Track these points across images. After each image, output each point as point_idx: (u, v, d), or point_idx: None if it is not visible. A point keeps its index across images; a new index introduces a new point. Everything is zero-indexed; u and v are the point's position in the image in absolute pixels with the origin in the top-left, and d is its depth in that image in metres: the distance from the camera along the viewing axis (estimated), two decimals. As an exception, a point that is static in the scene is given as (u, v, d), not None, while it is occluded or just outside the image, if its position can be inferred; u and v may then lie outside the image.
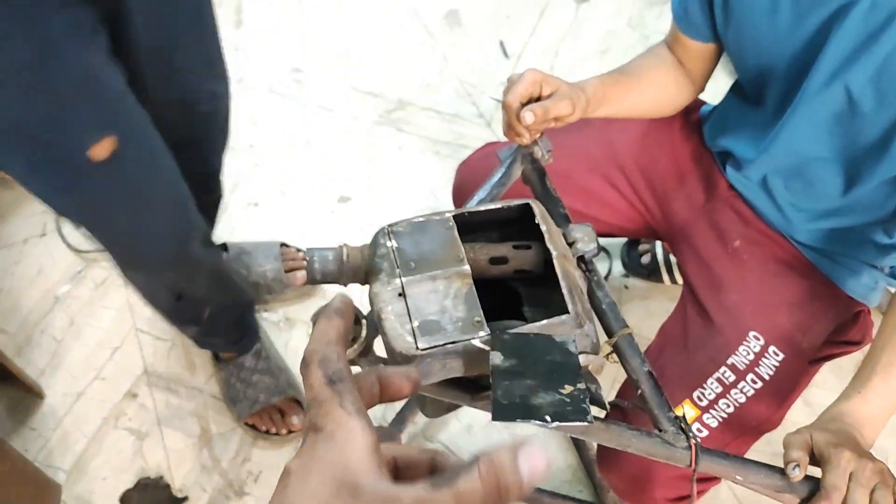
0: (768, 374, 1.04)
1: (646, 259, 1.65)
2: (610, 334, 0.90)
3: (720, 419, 1.03)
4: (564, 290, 0.78)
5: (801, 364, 1.06)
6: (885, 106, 0.89)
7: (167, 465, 1.43)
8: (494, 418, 0.63)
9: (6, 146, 0.96)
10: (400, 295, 0.77)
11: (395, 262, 0.78)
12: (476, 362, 0.76)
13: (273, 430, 1.48)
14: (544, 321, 0.76)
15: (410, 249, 0.80)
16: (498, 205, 0.85)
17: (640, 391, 0.85)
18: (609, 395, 1.37)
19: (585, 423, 0.62)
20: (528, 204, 0.84)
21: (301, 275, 1.61)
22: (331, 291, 1.66)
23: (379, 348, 0.80)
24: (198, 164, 1.27)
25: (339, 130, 1.96)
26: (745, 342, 1.06)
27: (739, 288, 1.11)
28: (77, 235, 1.71)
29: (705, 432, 1.03)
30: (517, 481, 0.36)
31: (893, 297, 0.94)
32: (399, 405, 1.40)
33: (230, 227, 1.76)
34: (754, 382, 1.04)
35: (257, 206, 1.82)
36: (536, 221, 0.82)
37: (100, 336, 1.59)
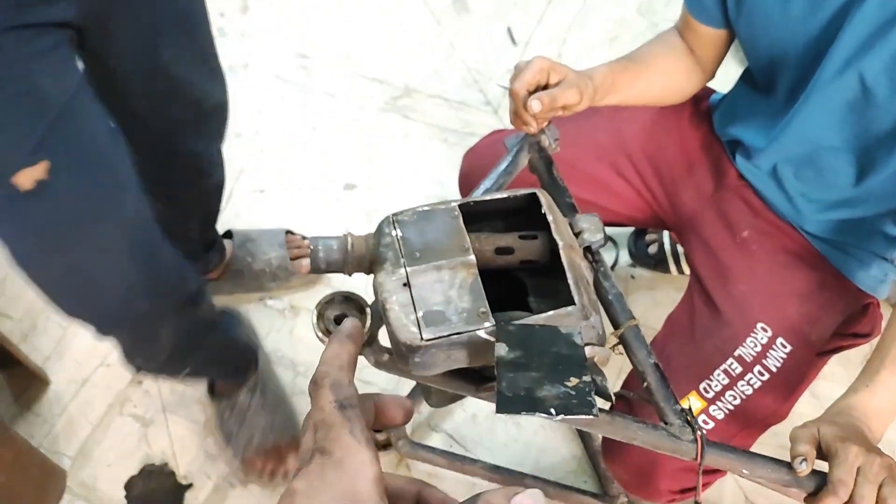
0: (776, 366, 1.04)
1: (653, 249, 1.64)
2: (616, 326, 0.89)
3: (726, 411, 1.02)
4: (570, 282, 0.77)
5: (808, 356, 1.05)
6: (900, 95, 0.88)
7: (172, 452, 1.43)
8: (499, 411, 0.63)
9: None
10: (405, 285, 0.76)
11: (399, 252, 0.78)
12: (481, 353, 0.75)
13: (269, 471, 1.40)
14: (550, 312, 0.75)
15: (415, 239, 0.79)
16: (504, 194, 0.84)
17: (645, 383, 0.85)
18: (615, 385, 1.36)
19: (590, 417, 0.62)
20: (534, 193, 0.83)
21: (306, 262, 1.60)
22: (336, 280, 1.66)
23: (383, 338, 0.79)
24: (191, 150, 1.26)
25: (345, 117, 1.95)
26: (752, 334, 1.05)
27: (748, 279, 1.10)
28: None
29: (711, 424, 1.02)
30: None
31: (904, 289, 0.93)
32: (404, 393, 1.40)
33: (235, 213, 1.76)
34: (761, 374, 1.03)
35: (263, 193, 1.81)
36: (543, 211, 0.82)
37: (105, 323, 1.59)
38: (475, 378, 0.83)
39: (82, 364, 1.54)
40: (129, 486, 1.41)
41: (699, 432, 0.80)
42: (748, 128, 1.10)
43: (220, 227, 1.56)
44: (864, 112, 0.92)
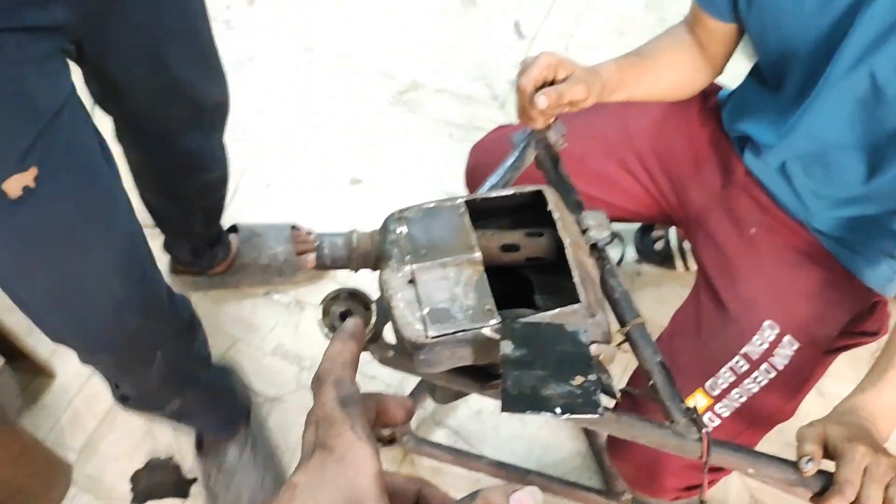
0: (782, 365, 1.03)
1: (659, 245, 1.63)
2: (622, 323, 0.89)
3: (732, 409, 1.02)
4: (576, 280, 0.76)
5: (816, 355, 1.05)
6: (911, 92, 0.87)
7: (177, 447, 1.43)
8: (504, 410, 0.63)
9: None
10: (410, 282, 0.76)
11: (405, 249, 0.77)
12: (486, 351, 0.75)
13: None
14: (556, 310, 0.75)
15: (421, 236, 0.79)
16: (510, 191, 0.84)
17: (651, 382, 0.84)
18: (620, 381, 1.36)
19: (596, 416, 0.62)
20: (540, 190, 0.82)
21: (312, 257, 1.60)
22: (342, 275, 1.65)
23: (388, 334, 0.79)
24: (191, 146, 1.25)
25: (350, 112, 1.95)
26: (759, 331, 1.05)
27: (755, 276, 1.09)
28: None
29: (717, 422, 1.02)
30: None
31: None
32: (409, 389, 1.40)
33: (241, 208, 1.76)
34: (768, 372, 1.03)
35: (269, 188, 1.81)
36: (549, 209, 0.81)
37: (111, 316, 1.59)
38: (480, 375, 0.83)
39: (88, 357, 1.54)
40: (134, 479, 1.41)
41: (704, 431, 0.80)
42: (757, 124, 1.09)
43: (226, 222, 1.56)
44: (874, 110, 0.91)
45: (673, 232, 1.62)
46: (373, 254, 0.80)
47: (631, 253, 1.69)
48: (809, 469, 0.75)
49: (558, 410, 0.62)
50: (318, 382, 0.45)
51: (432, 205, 0.81)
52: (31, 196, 0.83)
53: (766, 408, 1.02)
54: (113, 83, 1.06)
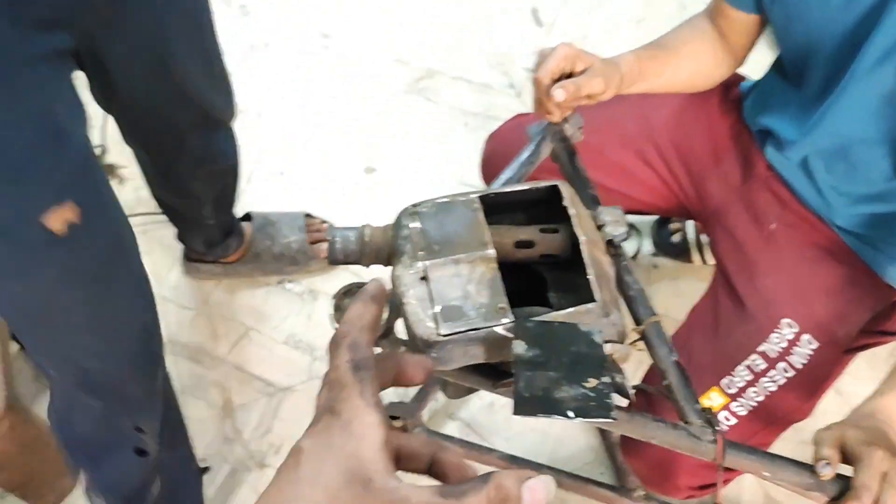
0: (801, 364, 1.01)
1: (676, 238, 1.61)
2: (637, 322, 0.87)
3: (749, 408, 1.01)
4: (591, 278, 0.75)
5: (835, 354, 1.03)
6: (939, 88, 0.85)
7: (190, 435, 1.44)
8: (516, 412, 0.62)
9: None
10: (422, 279, 0.75)
11: (418, 245, 0.76)
12: (498, 349, 0.74)
13: None
14: (570, 309, 0.74)
15: (434, 231, 0.78)
16: (525, 186, 0.82)
17: (666, 382, 0.83)
18: (634, 376, 1.35)
19: (609, 420, 0.61)
20: (556, 185, 0.81)
21: (325, 246, 1.60)
22: (355, 266, 1.64)
23: (400, 329, 0.78)
24: (196, 144, 1.25)
25: (365, 99, 1.93)
26: (777, 329, 1.03)
27: (774, 273, 1.08)
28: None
29: (733, 420, 1.00)
30: None
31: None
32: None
33: (255, 196, 1.75)
34: (786, 371, 1.01)
35: (282, 175, 1.80)
36: (564, 204, 0.80)
37: (125, 303, 1.59)
38: (492, 373, 0.82)
39: (102, 344, 1.55)
40: (147, 467, 1.42)
41: (720, 433, 0.79)
42: (780, 118, 1.07)
43: (239, 210, 1.55)
44: (900, 106, 0.89)
45: (691, 225, 1.60)
46: (385, 249, 0.79)
47: (647, 246, 1.67)
48: (826, 473, 0.74)
49: (571, 414, 0.61)
50: (334, 344, 0.44)
51: (446, 199, 0.80)
52: (75, 232, 0.84)
53: (782, 407, 1.01)
54: (117, 92, 1.06)
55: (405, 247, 0.77)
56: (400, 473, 0.43)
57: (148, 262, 1.63)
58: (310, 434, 0.41)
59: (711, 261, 1.55)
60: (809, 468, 0.77)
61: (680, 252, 1.62)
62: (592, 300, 0.74)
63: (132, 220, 1.67)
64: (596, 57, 0.94)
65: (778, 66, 1.12)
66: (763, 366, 1.01)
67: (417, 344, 0.73)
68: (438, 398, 1.44)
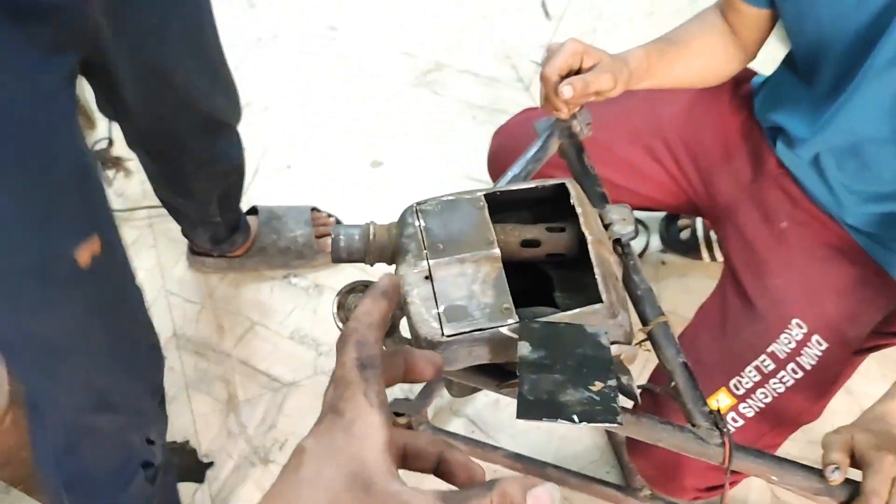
0: (810, 365, 1.00)
1: (685, 234, 1.60)
2: (645, 322, 0.86)
3: (757, 409, 0.99)
4: (598, 278, 0.74)
5: (845, 355, 1.02)
6: (954, 87, 0.83)
7: (194, 430, 1.43)
8: (519, 416, 0.61)
9: None
10: (427, 278, 0.74)
11: (422, 243, 0.76)
12: (503, 350, 0.73)
13: None
14: (576, 310, 0.73)
15: (439, 230, 0.77)
16: (531, 184, 0.81)
17: (673, 383, 0.82)
18: (641, 376, 1.34)
19: (614, 425, 0.60)
20: (563, 184, 0.80)
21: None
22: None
23: (405, 327, 0.78)
24: (201, 148, 1.26)
25: (373, 91, 1.92)
26: (787, 330, 1.02)
27: (784, 272, 1.06)
28: (109, 193, 1.71)
29: (740, 422, 0.99)
30: None
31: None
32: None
33: (261, 189, 1.74)
34: (795, 373, 1.00)
35: (289, 169, 1.80)
36: (572, 202, 0.79)
37: (130, 297, 1.59)
38: (497, 373, 0.81)
39: (107, 338, 1.55)
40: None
41: (727, 436, 0.78)
42: (791, 115, 1.05)
43: (245, 204, 1.54)
44: (914, 104, 0.87)
45: (700, 221, 1.59)
46: (389, 247, 0.78)
47: (656, 242, 1.66)
48: (836, 478, 0.73)
49: (576, 419, 0.60)
50: (341, 341, 0.44)
51: (451, 197, 0.79)
52: (98, 262, 0.85)
53: (791, 409, 0.99)
54: (120, 100, 1.07)
55: (409, 245, 0.76)
56: (405, 474, 0.43)
57: (153, 256, 1.65)
58: (313, 434, 0.41)
59: (720, 258, 1.54)
60: (818, 473, 0.75)
61: (689, 249, 1.60)
62: (599, 300, 0.73)
63: (138, 213, 1.68)
64: (604, 53, 0.93)
65: (789, 62, 1.10)
66: (772, 367, 1.00)
67: (421, 344, 0.72)
68: (444, 395, 1.44)
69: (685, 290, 1.58)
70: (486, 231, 0.76)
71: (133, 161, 1.76)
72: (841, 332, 1.01)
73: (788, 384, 0.99)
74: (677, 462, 0.99)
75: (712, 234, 1.56)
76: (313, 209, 1.65)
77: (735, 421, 0.99)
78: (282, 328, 1.56)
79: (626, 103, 1.18)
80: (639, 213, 1.55)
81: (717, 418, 0.80)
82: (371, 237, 0.78)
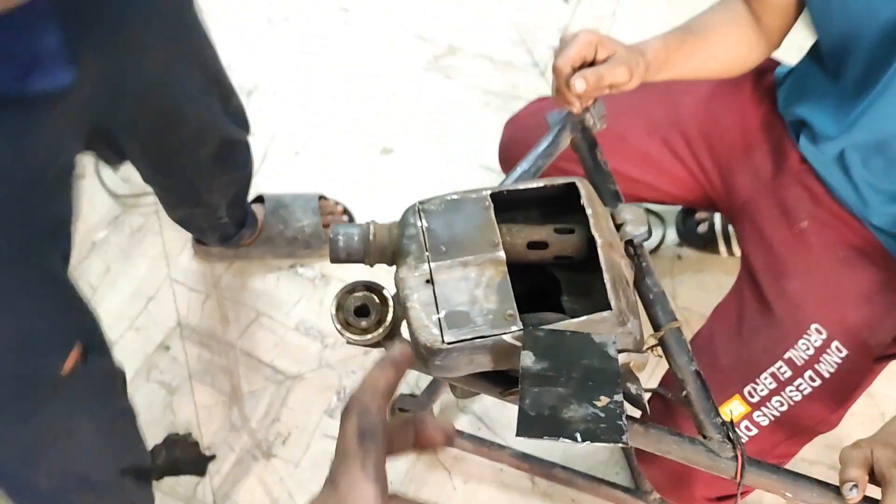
0: (828, 372, 0.96)
1: (702, 228, 1.55)
2: (656, 327, 0.83)
3: (772, 418, 0.96)
4: (608, 284, 0.71)
5: (865, 362, 0.98)
6: None
7: (196, 422, 1.41)
8: (519, 434, 0.58)
9: None
10: (427, 282, 0.71)
11: (424, 245, 0.72)
12: (506, 358, 0.70)
13: None
14: (583, 318, 0.70)
15: (442, 231, 0.73)
16: (540, 183, 0.78)
17: (685, 392, 0.78)
18: (650, 379, 1.30)
19: (620, 444, 0.57)
20: (573, 183, 0.76)
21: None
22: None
23: (406, 330, 0.74)
24: (211, 169, 1.25)
25: (385, 76, 1.88)
26: (805, 335, 0.98)
27: (804, 274, 1.02)
28: (115, 178, 1.69)
29: (754, 431, 0.95)
30: None
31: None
32: (427, 378, 1.36)
33: (270, 175, 1.71)
34: (812, 380, 0.96)
35: (298, 155, 1.76)
36: (582, 203, 0.75)
37: (135, 285, 1.57)
38: (501, 379, 0.78)
39: (110, 327, 1.50)
40: (153, 454, 1.40)
41: (740, 450, 0.75)
42: (816, 109, 1.01)
43: (254, 189, 1.51)
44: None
45: (718, 214, 1.54)
46: (390, 248, 0.75)
47: (672, 235, 1.61)
48: (853, 497, 0.70)
49: (578, 437, 0.58)
50: (345, 411, 0.44)
51: (455, 197, 0.76)
52: (80, 368, 0.86)
53: (808, 418, 0.96)
54: (127, 154, 1.09)
55: (411, 247, 0.73)
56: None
57: (159, 243, 1.62)
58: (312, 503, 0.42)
59: (738, 252, 1.50)
60: (835, 489, 0.72)
61: (706, 243, 1.56)
62: (608, 307, 0.70)
63: (144, 201, 1.66)
64: (620, 44, 0.88)
65: (815, 53, 1.05)
66: (788, 374, 0.96)
67: (421, 351, 0.69)
68: (449, 392, 1.41)
69: (701, 287, 1.54)
70: (492, 233, 0.73)
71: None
72: (862, 338, 0.97)
73: (805, 392, 0.96)
74: (687, 471, 0.95)
75: (730, 228, 1.51)
76: (321, 197, 1.62)
77: (748, 430, 0.95)
78: (287, 319, 1.53)
79: (643, 92, 1.12)
80: (655, 206, 1.50)
81: (729, 430, 0.76)
82: (371, 237, 0.75)
